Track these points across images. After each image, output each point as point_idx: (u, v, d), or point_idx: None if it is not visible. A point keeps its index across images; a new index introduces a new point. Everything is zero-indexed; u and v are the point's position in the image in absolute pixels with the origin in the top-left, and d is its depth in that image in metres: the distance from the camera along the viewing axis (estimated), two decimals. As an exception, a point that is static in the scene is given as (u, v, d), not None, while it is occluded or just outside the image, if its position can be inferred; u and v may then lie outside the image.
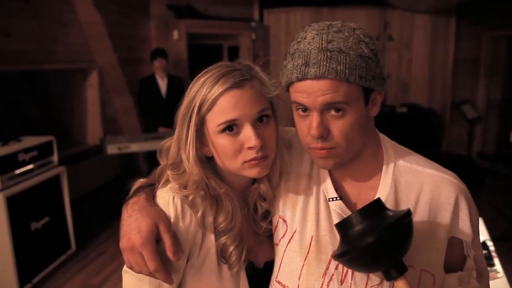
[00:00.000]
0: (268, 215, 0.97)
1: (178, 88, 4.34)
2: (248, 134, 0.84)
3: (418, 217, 0.84)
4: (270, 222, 0.97)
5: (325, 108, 0.79)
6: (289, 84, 0.83)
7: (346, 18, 6.07)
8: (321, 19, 6.10)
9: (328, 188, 0.90)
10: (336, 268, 0.84)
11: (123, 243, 0.82)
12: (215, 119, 0.84)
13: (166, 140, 0.95)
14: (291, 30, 6.11)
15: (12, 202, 2.71)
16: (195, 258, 0.89)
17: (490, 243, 1.84)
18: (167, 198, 0.86)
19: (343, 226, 0.76)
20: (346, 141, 0.80)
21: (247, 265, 0.92)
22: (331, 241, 0.86)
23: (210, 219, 0.88)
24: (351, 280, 0.83)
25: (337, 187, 0.91)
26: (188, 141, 0.87)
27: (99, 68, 4.55)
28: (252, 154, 0.84)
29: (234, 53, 6.06)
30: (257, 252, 0.96)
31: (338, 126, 0.79)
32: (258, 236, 0.98)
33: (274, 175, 0.95)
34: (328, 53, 0.76)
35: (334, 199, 0.88)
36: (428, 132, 5.51)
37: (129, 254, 0.81)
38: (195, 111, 0.85)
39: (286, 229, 0.92)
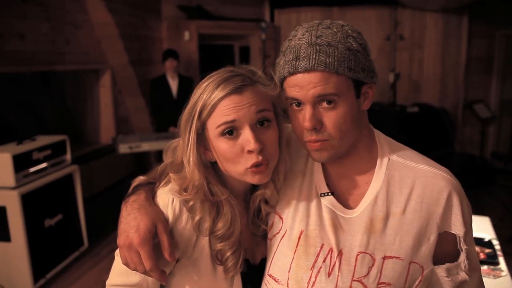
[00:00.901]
0: (267, 217, 0.98)
1: (188, 89, 4.32)
2: (247, 137, 0.84)
3: (410, 211, 0.85)
4: (267, 223, 0.98)
5: (317, 101, 0.81)
6: (283, 80, 0.86)
7: (356, 17, 6.06)
8: (332, 18, 6.07)
9: (320, 183, 0.93)
10: (324, 261, 0.86)
11: (121, 240, 0.83)
12: (215, 123, 0.85)
13: (175, 140, 0.96)
14: (301, 30, 6.11)
15: (26, 200, 2.78)
16: (186, 259, 0.90)
17: (496, 242, 1.83)
18: (167, 200, 0.88)
19: None
20: (339, 132, 0.83)
21: (244, 265, 0.93)
22: (320, 235, 0.88)
23: (206, 225, 0.88)
24: (338, 272, 0.84)
25: (330, 183, 0.93)
26: (189, 146, 0.87)
27: (111, 69, 4.63)
28: (252, 159, 0.84)
29: (245, 54, 6.08)
30: (253, 250, 0.98)
31: (330, 118, 0.82)
32: (255, 236, 0.99)
33: (278, 179, 0.95)
34: (317, 47, 0.80)
35: (326, 194, 0.91)
36: (440, 132, 5.46)
37: (126, 252, 0.82)
38: (196, 116, 0.86)
39: (282, 225, 0.94)
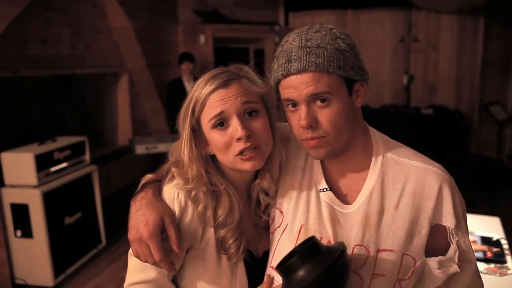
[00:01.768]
0: (268, 208, 1.03)
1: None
2: (235, 126, 0.90)
3: (403, 206, 0.89)
4: (269, 215, 1.03)
5: (310, 100, 0.87)
6: (277, 83, 0.91)
7: (371, 20, 6.07)
8: (346, 21, 6.12)
9: (319, 179, 0.97)
10: None
11: (131, 235, 0.89)
12: (206, 117, 0.92)
13: (178, 141, 1.01)
14: (316, 33, 6.14)
15: (47, 198, 2.88)
16: (194, 250, 0.96)
17: (504, 242, 1.85)
18: (172, 194, 0.93)
19: (286, 271, 0.81)
20: (334, 129, 0.87)
21: (247, 255, 0.99)
22: (319, 229, 0.92)
23: (209, 213, 0.94)
24: None
25: (329, 179, 0.97)
26: (185, 141, 0.94)
27: (129, 72, 4.75)
28: (240, 145, 0.90)
29: (259, 56, 6.14)
30: (256, 243, 1.03)
31: (324, 115, 0.87)
32: (258, 227, 1.04)
33: (274, 170, 1.00)
34: (308, 49, 0.85)
35: (325, 189, 0.95)
36: (455, 134, 5.42)
37: (137, 245, 0.88)
38: (190, 112, 0.93)
39: (282, 219, 0.99)
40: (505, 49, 5.54)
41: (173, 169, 0.97)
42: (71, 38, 3.84)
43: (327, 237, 0.91)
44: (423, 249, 0.89)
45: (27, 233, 2.86)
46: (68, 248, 3.11)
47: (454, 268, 0.87)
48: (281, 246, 0.97)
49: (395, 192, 0.90)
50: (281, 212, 1.00)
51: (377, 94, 6.03)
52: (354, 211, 0.91)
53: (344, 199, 0.94)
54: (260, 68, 1.02)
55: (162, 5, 5.28)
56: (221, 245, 0.96)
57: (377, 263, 0.88)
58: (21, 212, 2.84)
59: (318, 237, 0.91)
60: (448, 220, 0.88)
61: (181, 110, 0.96)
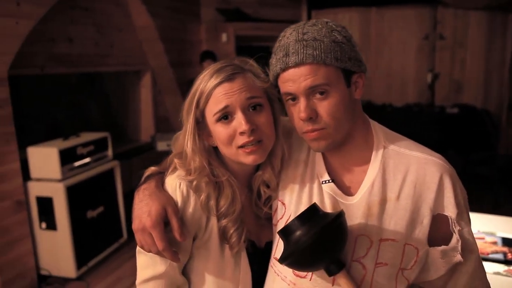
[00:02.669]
0: (270, 200, 1.04)
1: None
2: (239, 120, 0.91)
3: (404, 196, 0.89)
4: (271, 207, 1.04)
5: (309, 92, 0.87)
6: (276, 77, 0.93)
7: (395, 17, 5.93)
8: (370, 19, 6.04)
9: (321, 171, 0.98)
10: None
11: (135, 225, 0.91)
12: (211, 110, 0.93)
13: (179, 132, 1.04)
14: (338, 31, 6.09)
15: (71, 192, 2.97)
16: (200, 239, 0.98)
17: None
18: (174, 185, 0.95)
19: (285, 232, 0.84)
20: (333, 120, 0.88)
21: (249, 245, 1.00)
22: None
23: (212, 202, 0.96)
24: None
25: (331, 171, 0.98)
26: (189, 133, 0.96)
27: (152, 70, 4.83)
28: (243, 139, 0.92)
29: (281, 54, 6.13)
30: (258, 233, 1.04)
31: (324, 107, 0.88)
32: (260, 219, 1.05)
33: (276, 163, 1.02)
34: (304, 42, 0.87)
35: (327, 181, 0.96)
36: (481, 134, 5.27)
37: (140, 235, 0.90)
38: (194, 105, 0.95)
39: (284, 211, 1.00)
40: (536, 46, 5.35)
41: (176, 161, 0.99)
42: (95, 36, 3.94)
43: None
44: (425, 238, 0.89)
45: (51, 225, 2.95)
46: (90, 241, 3.19)
47: (457, 257, 0.87)
48: None
49: (396, 182, 0.91)
50: (284, 204, 1.01)
51: (401, 93, 5.93)
52: (356, 202, 0.92)
53: (347, 191, 0.95)
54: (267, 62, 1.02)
55: (185, 4, 5.35)
56: (223, 234, 0.97)
57: (379, 253, 0.88)
58: (45, 205, 2.94)
59: None
60: (449, 210, 0.88)
61: (185, 102, 0.98)
